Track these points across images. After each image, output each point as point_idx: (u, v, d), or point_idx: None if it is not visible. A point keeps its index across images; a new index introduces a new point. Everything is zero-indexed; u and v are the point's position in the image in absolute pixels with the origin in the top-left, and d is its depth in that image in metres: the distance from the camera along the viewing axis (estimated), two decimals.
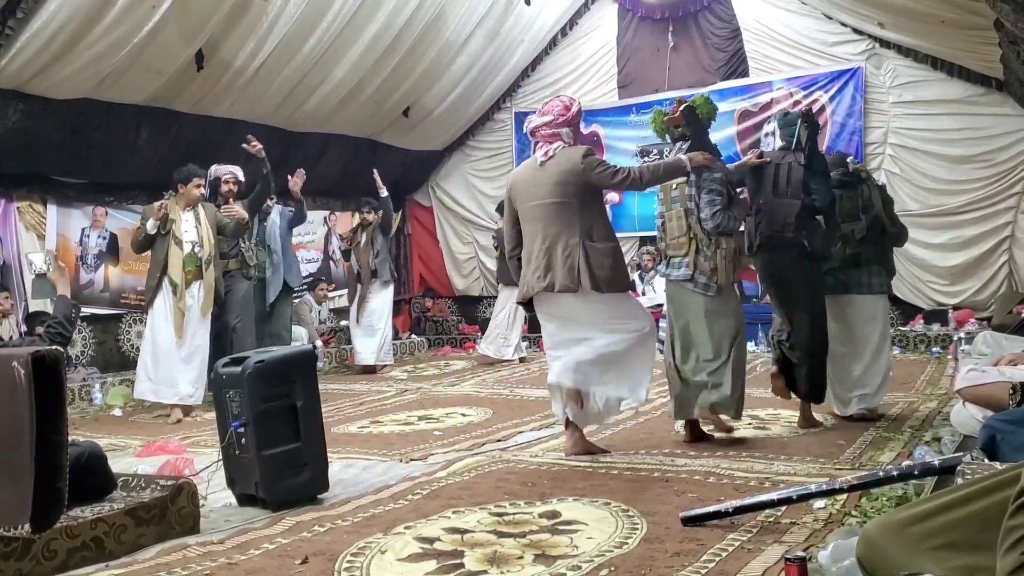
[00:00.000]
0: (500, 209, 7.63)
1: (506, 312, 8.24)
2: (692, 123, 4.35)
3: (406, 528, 3.00)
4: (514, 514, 3.13)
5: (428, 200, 10.84)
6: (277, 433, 3.39)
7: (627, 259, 9.31)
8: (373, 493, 3.55)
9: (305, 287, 8.75)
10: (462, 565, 2.61)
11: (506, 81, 10.04)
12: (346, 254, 8.39)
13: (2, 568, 2.48)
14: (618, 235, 4.40)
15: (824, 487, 2.81)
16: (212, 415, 3.89)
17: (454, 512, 3.18)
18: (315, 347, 7.76)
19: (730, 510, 2.86)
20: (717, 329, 4.23)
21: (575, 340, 4.07)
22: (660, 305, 7.74)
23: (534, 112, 4.35)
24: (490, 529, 2.95)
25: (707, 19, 9.31)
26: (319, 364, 6.32)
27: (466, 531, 2.94)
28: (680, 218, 4.29)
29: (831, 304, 4.67)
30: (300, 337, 7.81)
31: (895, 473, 2.75)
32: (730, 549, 2.61)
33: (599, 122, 9.80)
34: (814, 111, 4.84)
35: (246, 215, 6.31)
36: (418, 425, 5.25)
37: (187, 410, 5.92)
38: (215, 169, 6.44)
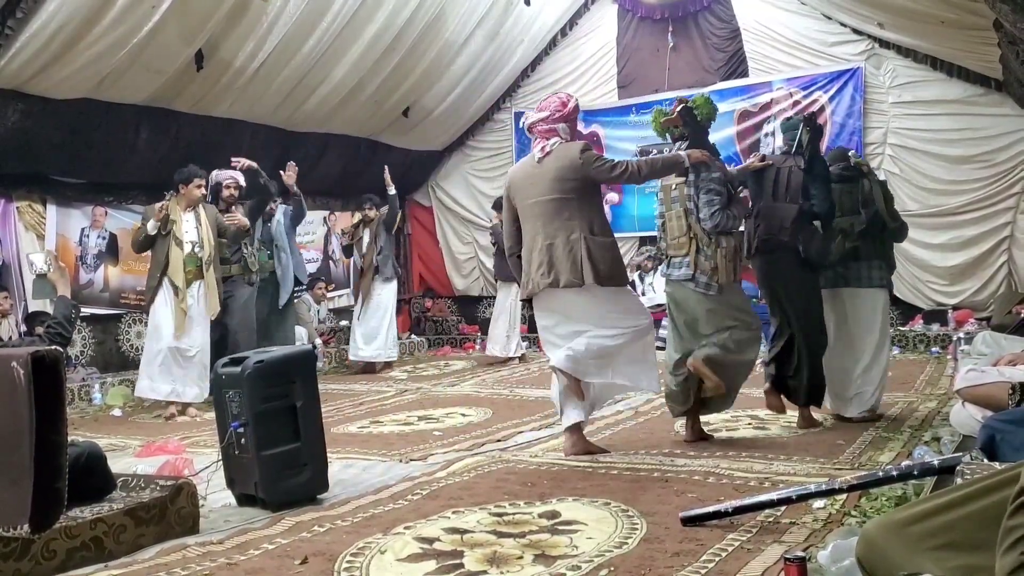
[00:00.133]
0: (497, 206, 7.65)
1: (507, 310, 8.25)
2: (690, 124, 4.35)
3: (406, 528, 3.00)
4: (514, 514, 3.13)
5: (428, 200, 10.85)
6: (277, 433, 3.38)
7: (626, 259, 9.35)
8: (373, 493, 3.55)
9: (304, 287, 8.76)
10: (462, 565, 2.61)
11: (506, 81, 10.04)
12: (347, 250, 8.41)
13: (1, 568, 2.48)
14: (618, 235, 4.41)
15: (823, 487, 2.81)
16: (212, 415, 3.89)
17: (454, 512, 3.18)
18: (315, 347, 7.78)
19: (730, 510, 2.85)
20: (720, 326, 4.22)
21: (575, 333, 4.07)
22: (660, 305, 7.75)
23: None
24: (490, 529, 2.95)
25: (707, 19, 9.31)
26: (319, 364, 6.34)
27: (466, 531, 2.94)
28: (680, 218, 4.29)
29: (830, 298, 4.66)
30: (300, 337, 7.82)
31: (894, 473, 2.75)
32: (730, 549, 2.61)
33: (599, 122, 9.81)
34: (815, 112, 4.83)
35: (247, 223, 6.32)
36: (418, 425, 5.25)
37: (184, 408, 5.95)
38: (216, 174, 6.45)
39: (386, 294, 8.06)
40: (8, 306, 6.41)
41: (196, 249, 5.93)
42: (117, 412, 6.29)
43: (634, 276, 9.35)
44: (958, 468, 2.39)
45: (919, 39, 7.79)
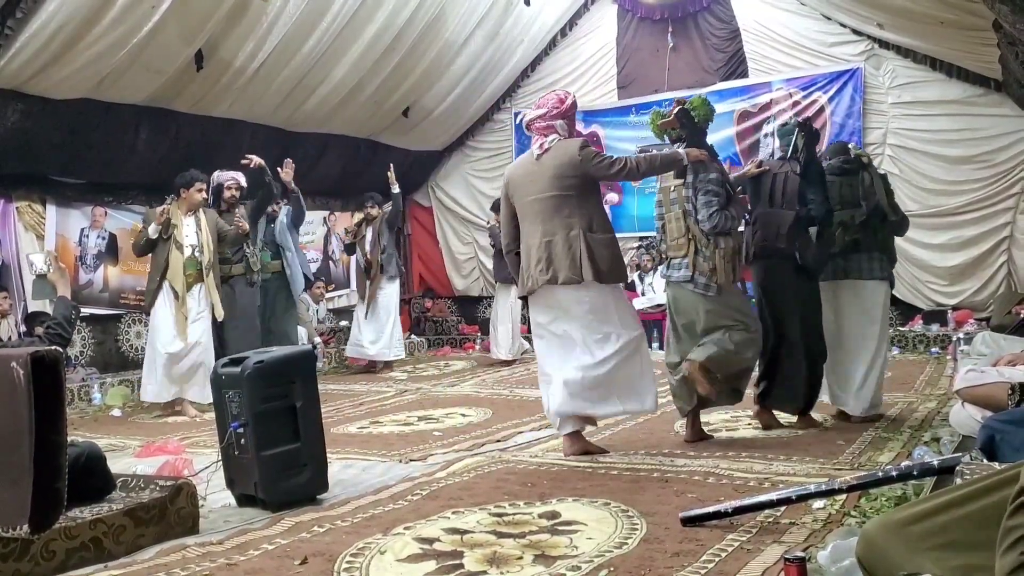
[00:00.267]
0: (495, 208, 7.65)
1: (509, 311, 8.25)
2: (687, 125, 4.35)
3: (405, 528, 3.00)
4: (514, 514, 3.13)
5: (428, 200, 10.85)
6: (276, 433, 3.38)
7: (626, 259, 9.35)
8: (372, 494, 3.55)
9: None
10: (462, 566, 2.61)
11: (506, 81, 10.05)
12: (350, 248, 8.42)
13: (1, 568, 2.48)
14: (618, 235, 4.40)
15: (823, 487, 2.81)
16: (211, 415, 3.89)
17: (454, 512, 3.18)
18: (315, 346, 7.79)
19: (729, 510, 2.85)
20: (720, 326, 4.22)
21: (567, 333, 4.04)
22: (660, 305, 7.75)
23: None
24: (490, 529, 2.95)
25: (706, 20, 9.31)
26: (318, 364, 6.34)
27: (466, 531, 2.94)
28: (679, 219, 4.29)
29: (830, 291, 4.65)
30: (300, 337, 7.83)
31: (894, 473, 2.75)
32: (729, 549, 2.61)
33: (599, 122, 9.81)
34: (809, 117, 4.83)
35: (247, 227, 6.34)
36: (418, 425, 5.25)
37: (183, 407, 5.97)
38: (218, 175, 6.47)
39: (390, 292, 8.08)
40: (8, 306, 6.41)
41: (196, 253, 5.97)
42: (117, 412, 6.29)
43: (634, 276, 9.35)
44: (958, 468, 2.39)
45: (919, 40, 7.80)
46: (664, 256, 4.49)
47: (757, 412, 4.63)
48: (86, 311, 6.87)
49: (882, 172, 5.42)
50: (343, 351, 8.53)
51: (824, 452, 3.95)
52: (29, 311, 6.57)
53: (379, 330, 8.00)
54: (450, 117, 9.94)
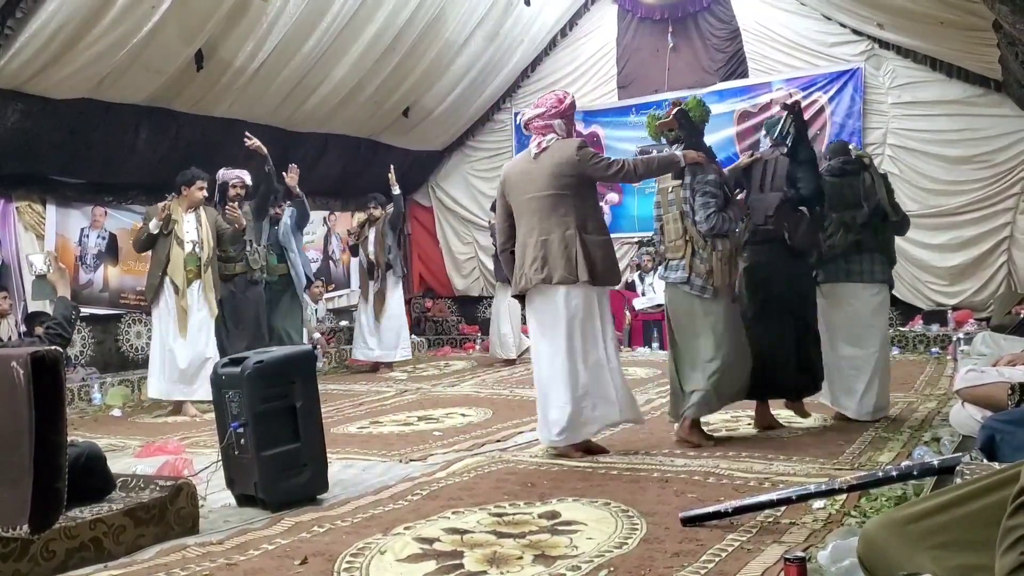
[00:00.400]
0: (495, 207, 7.65)
1: (508, 310, 8.25)
2: (685, 126, 4.34)
3: (405, 529, 3.00)
4: (514, 514, 3.13)
5: (428, 200, 10.85)
6: (276, 433, 3.38)
7: (626, 260, 9.36)
8: (372, 494, 3.55)
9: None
10: (462, 566, 2.61)
11: (506, 82, 10.05)
12: (353, 249, 8.43)
13: (1, 569, 2.48)
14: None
15: (823, 487, 2.81)
16: (211, 415, 3.89)
17: (454, 513, 3.18)
18: (315, 345, 7.80)
19: (729, 510, 2.85)
20: (717, 329, 4.22)
21: (558, 334, 4.03)
22: (660, 305, 7.75)
23: None
24: (490, 529, 2.95)
25: (706, 20, 9.32)
26: (318, 364, 6.35)
27: (466, 531, 2.94)
28: (676, 221, 4.28)
29: (830, 293, 4.65)
30: (304, 339, 7.84)
31: (894, 473, 2.75)
32: (729, 549, 2.61)
33: (599, 123, 9.81)
34: (798, 101, 4.81)
35: (244, 222, 6.34)
36: (418, 425, 5.25)
37: (182, 407, 5.98)
38: (223, 173, 6.48)
39: (398, 293, 8.11)
40: (8, 306, 6.41)
41: (196, 249, 6.01)
42: (116, 412, 6.29)
43: (634, 276, 9.35)
44: (958, 468, 2.39)
45: (919, 40, 7.80)
46: (662, 257, 4.48)
47: (757, 411, 4.62)
48: (86, 311, 6.88)
49: (882, 172, 5.41)
50: (343, 351, 8.53)
51: (824, 452, 3.95)
52: (29, 311, 6.57)
53: (391, 330, 8.01)
54: (450, 117, 9.94)
